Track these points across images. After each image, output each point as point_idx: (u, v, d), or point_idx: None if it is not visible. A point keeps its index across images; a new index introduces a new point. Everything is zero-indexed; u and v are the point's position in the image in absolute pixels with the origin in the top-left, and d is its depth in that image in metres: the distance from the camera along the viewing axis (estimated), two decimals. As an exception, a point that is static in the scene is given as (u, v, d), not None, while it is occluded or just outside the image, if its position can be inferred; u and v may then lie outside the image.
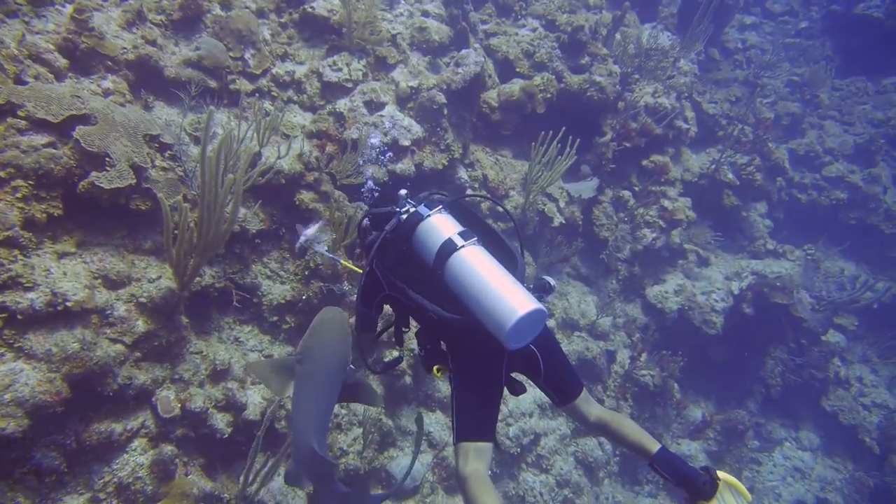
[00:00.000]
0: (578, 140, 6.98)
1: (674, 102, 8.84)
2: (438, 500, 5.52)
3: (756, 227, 9.68)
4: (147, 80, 5.07)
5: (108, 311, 3.77)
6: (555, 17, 8.41)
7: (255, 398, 4.56)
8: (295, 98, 6.15)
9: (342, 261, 4.04)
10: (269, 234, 5.32)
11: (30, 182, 3.59)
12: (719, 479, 2.16)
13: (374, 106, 6.27)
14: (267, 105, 5.84)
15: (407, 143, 6.16)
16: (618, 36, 9.03)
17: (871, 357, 9.76)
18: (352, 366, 3.03)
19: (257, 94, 5.83)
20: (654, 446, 2.32)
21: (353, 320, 2.76)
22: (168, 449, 3.97)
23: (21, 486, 3.39)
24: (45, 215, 3.64)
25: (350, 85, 6.29)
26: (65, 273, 3.63)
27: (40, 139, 3.70)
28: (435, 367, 2.45)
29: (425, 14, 7.17)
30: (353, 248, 5.51)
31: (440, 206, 2.39)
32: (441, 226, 2.31)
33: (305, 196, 5.37)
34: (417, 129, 6.28)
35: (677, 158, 9.11)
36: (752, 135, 9.89)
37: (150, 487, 3.84)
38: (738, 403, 8.80)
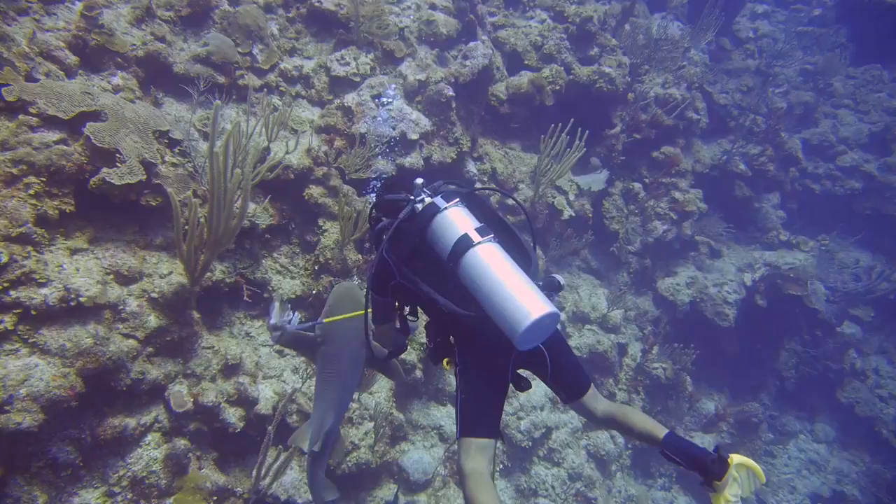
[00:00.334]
0: (588, 132, 6.92)
1: (684, 93, 8.74)
2: (450, 494, 5.53)
3: (769, 218, 9.57)
4: (156, 76, 5.10)
5: (121, 307, 3.80)
6: (563, 8, 8.33)
7: (266, 392, 4.58)
8: (303, 93, 6.15)
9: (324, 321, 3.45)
10: (278, 230, 5.34)
11: (42, 179, 3.62)
12: (729, 458, 2.14)
13: (381, 99, 6.26)
14: (275, 100, 5.85)
15: (415, 136, 6.14)
16: (627, 26, 8.95)
17: (887, 348, 9.62)
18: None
19: (266, 90, 5.84)
20: (662, 432, 2.30)
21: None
22: (181, 443, 4.01)
23: (38, 479, 3.44)
24: (57, 212, 3.67)
25: (358, 79, 6.27)
26: (77, 269, 3.66)
27: (51, 136, 3.73)
28: (445, 360, 2.43)
29: (433, 7, 7.13)
30: (361, 242, 5.51)
31: (457, 199, 2.35)
32: (457, 220, 2.27)
33: (314, 191, 5.39)
34: (426, 123, 6.26)
35: (688, 149, 9.02)
36: (765, 125, 9.76)
37: (164, 481, 3.88)
38: (751, 396, 8.72)
